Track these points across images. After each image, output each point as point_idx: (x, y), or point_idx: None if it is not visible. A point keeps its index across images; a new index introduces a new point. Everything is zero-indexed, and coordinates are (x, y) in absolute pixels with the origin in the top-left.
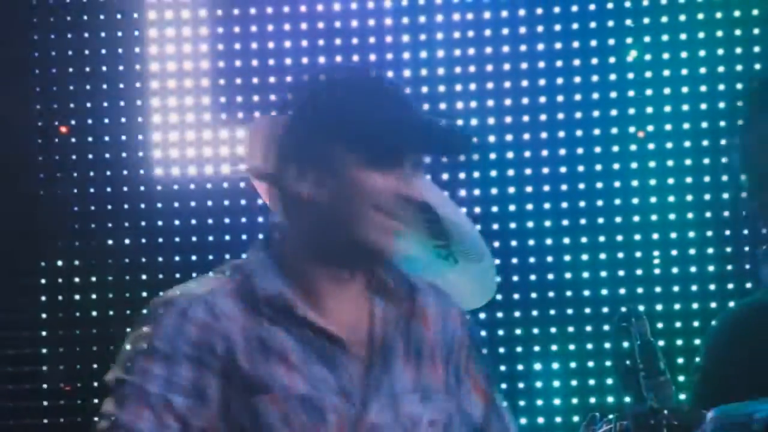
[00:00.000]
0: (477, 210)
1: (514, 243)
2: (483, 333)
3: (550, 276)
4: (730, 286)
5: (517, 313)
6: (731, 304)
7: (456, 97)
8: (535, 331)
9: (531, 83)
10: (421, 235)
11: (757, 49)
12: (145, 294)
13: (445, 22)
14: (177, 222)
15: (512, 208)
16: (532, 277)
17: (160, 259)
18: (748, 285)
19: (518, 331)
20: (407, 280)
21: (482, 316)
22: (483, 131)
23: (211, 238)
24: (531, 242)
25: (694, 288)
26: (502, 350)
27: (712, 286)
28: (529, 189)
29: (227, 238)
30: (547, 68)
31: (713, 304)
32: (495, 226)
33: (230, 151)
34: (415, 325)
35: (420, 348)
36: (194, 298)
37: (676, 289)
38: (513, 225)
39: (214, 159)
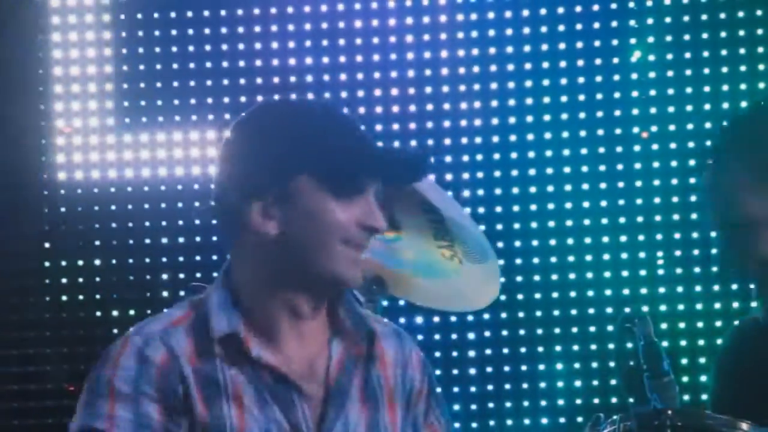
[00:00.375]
0: (481, 210)
1: (518, 243)
2: (487, 333)
3: (554, 276)
4: (734, 287)
5: (521, 314)
6: (734, 303)
7: (460, 98)
8: (539, 331)
9: (535, 84)
10: (425, 236)
11: (761, 49)
12: (148, 294)
13: (449, 22)
14: (180, 222)
15: (516, 208)
16: (536, 278)
17: (164, 259)
18: (752, 286)
19: (522, 332)
20: (367, 323)
21: (486, 316)
22: (487, 132)
23: (215, 239)
24: (534, 243)
25: (698, 289)
26: (506, 351)
27: (716, 287)
28: (533, 189)
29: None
30: (551, 69)
31: (717, 305)
32: (499, 227)
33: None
34: (373, 369)
35: (377, 392)
36: (151, 337)
37: (679, 289)
38: (517, 225)
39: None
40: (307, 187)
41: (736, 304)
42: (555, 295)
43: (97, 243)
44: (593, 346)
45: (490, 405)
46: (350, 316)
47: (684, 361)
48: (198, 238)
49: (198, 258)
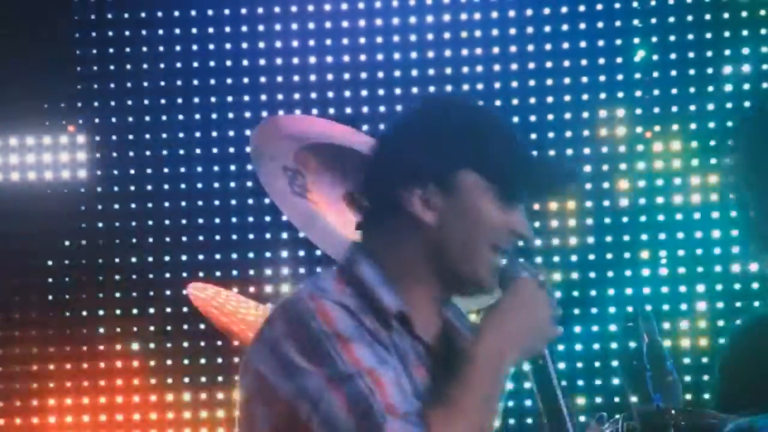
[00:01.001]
0: None
1: (520, 243)
2: None
3: (557, 276)
4: (737, 286)
5: None
6: (737, 303)
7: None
8: None
9: (538, 83)
10: None
11: (765, 49)
12: (152, 293)
13: (453, 21)
14: (184, 221)
15: None
16: (539, 278)
17: (167, 258)
18: (755, 285)
19: None
20: (467, 318)
21: None
22: None
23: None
24: (537, 243)
25: (701, 288)
26: None
27: (719, 287)
28: None
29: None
30: (555, 68)
31: (720, 305)
32: None
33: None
34: None
35: None
36: (335, 299)
37: (683, 289)
38: None
39: None
40: (472, 184)
41: (738, 304)
42: (558, 294)
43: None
44: (596, 346)
45: None
46: (456, 311)
47: (687, 360)
48: (201, 237)
49: (201, 257)
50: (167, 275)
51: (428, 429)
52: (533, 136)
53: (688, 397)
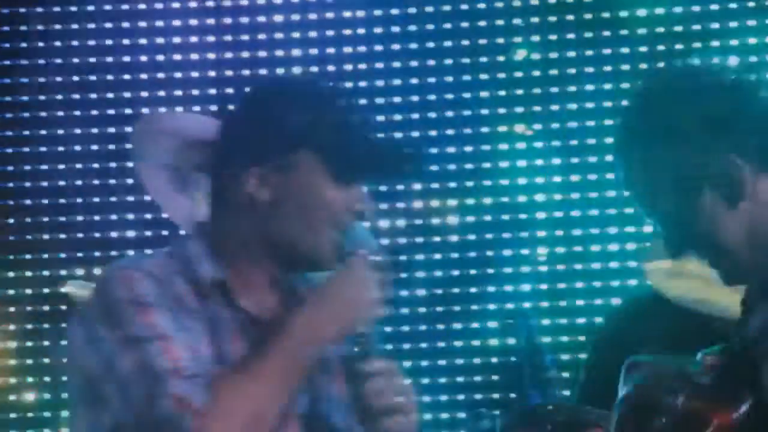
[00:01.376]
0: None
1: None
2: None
3: (439, 274)
4: (616, 283)
5: (405, 310)
6: (616, 300)
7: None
8: (423, 328)
9: (405, 82)
10: None
11: (643, 48)
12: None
13: (319, 20)
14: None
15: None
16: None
17: (28, 256)
18: (634, 282)
19: (406, 329)
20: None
21: None
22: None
23: None
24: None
25: (578, 285)
26: (389, 347)
27: (597, 284)
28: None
29: None
30: (435, 66)
31: (598, 301)
32: None
33: None
34: None
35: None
36: (148, 271)
37: (561, 286)
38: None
39: None
40: (307, 162)
41: (617, 301)
42: (439, 292)
43: None
44: (476, 342)
45: None
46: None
47: (566, 357)
48: (63, 235)
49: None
50: (26, 273)
51: (214, 391)
52: (399, 135)
53: (567, 393)
